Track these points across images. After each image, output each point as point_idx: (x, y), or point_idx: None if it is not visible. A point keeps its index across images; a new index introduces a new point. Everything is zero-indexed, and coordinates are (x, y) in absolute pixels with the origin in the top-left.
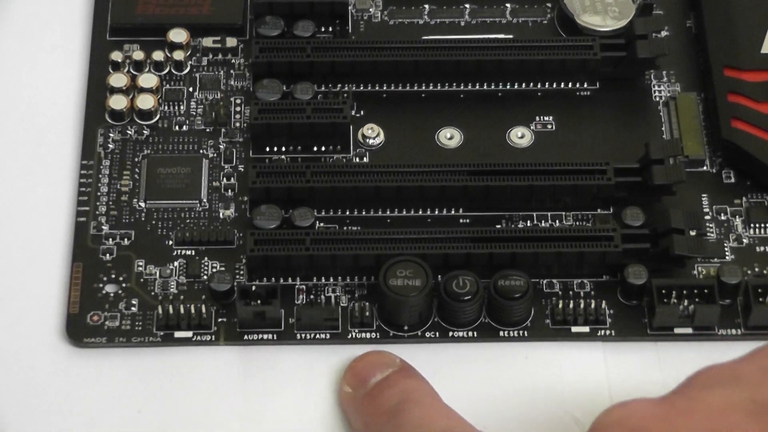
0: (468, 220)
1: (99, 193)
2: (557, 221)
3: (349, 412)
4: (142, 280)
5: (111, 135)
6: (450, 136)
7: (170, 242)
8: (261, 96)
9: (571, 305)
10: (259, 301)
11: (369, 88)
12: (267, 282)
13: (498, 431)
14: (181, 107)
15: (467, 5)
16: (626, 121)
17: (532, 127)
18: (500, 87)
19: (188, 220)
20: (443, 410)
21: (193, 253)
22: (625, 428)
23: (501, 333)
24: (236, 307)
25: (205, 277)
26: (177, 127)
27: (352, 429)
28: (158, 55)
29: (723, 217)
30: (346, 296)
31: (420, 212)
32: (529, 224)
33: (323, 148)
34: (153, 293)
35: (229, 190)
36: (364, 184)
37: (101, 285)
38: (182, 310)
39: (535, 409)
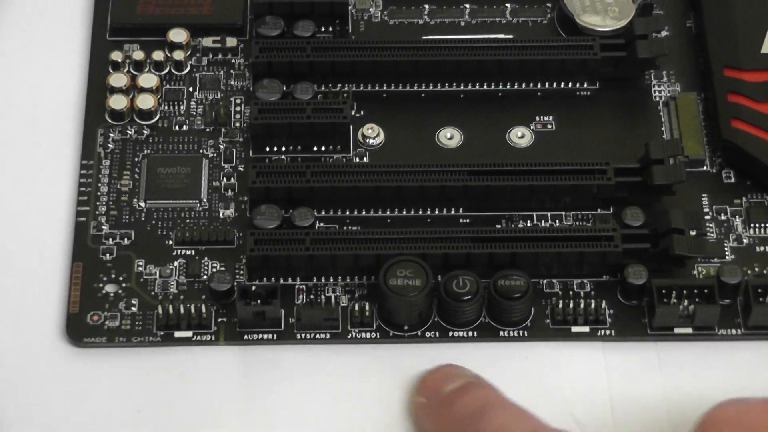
0: (468, 220)
1: (99, 193)
2: (557, 221)
3: (423, 422)
4: (142, 280)
5: (111, 135)
6: (450, 136)
7: (170, 242)
8: (261, 96)
9: (571, 305)
10: (259, 301)
11: (369, 88)
12: (267, 282)
13: None
14: (181, 107)
15: (467, 5)
16: (626, 121)
17: (532, 127)
18: (500, 87)
19: (188, 220)
20: (526, 414)
21: (193, 253)
22: (740, 426)
23: (501, 333)
24: (236, 307)
25: (205, 277)
26: (177, 127)
27: None
28: (158, 55)
29: (723, 217)
30: (346, 296)
31: (420, 212)
32: (529, 224)
33: (323, 148)
34: (153, 293)
35: (229, 190)
36: (364, 184)
37: (101, 285)
38: (182, 310)
39: (535, 409)
